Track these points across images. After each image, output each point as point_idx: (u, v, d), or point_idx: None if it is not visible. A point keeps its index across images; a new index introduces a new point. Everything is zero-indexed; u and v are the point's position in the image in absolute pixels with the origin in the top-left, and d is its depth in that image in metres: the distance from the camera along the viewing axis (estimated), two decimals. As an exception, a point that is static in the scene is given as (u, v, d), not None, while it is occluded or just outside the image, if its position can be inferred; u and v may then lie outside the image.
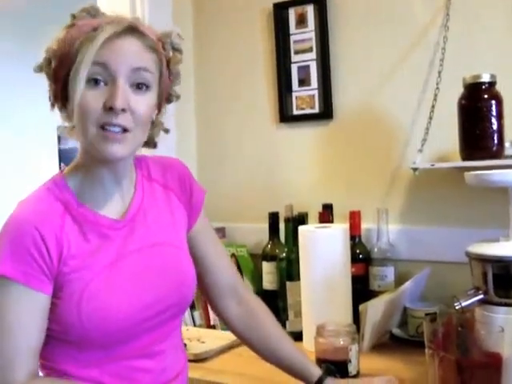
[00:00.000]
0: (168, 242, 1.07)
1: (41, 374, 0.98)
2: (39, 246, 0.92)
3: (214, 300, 1.19)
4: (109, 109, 0.92)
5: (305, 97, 1.82)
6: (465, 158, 1.43)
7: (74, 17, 0.98)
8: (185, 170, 1.16)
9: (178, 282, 1.05)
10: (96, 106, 0.93)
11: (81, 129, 0.95)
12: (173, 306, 1.04)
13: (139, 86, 0.96)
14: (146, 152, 1.13)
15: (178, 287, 1.05)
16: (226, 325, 1.22)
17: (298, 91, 1.83)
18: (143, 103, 0.96)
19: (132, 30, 0.96)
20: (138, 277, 1.00)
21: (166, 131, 1.11)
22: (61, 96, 0.97)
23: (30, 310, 0.92)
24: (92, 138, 0.94)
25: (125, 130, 0.95)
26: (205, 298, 1.24)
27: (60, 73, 0.96)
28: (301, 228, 1.53)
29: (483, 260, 1.15)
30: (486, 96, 1.40)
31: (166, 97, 1.07)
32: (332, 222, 1.67)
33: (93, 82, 0.93)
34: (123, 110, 0.93)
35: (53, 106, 1.01)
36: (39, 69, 0.99)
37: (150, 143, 1.09)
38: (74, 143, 1.03)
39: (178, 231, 1.11)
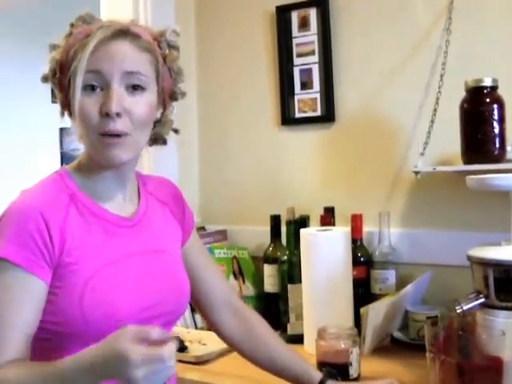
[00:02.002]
0: (169, 252, 1.10)
1: None
2: (42, 232, 0.92)
3: (209, 314, 1.20)
4: (105, 114, 0.93)
5: (307, 100, 1.82)
6: (466, 161, 1.44)
7: (71, 25, 0.99)
8: (177, 189, 1.20)
9: (176, 290, 1.07)
10: (93, 112, 0.94)
11: (83, 136, 0.97)
12: (168, 314, 1.05)
13: (135, 87, 0.97)
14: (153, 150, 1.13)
15: (177, 295, 1.07)
16: (222, 337, 1.21)
17: (300, 94, 1.83)
18: (140, 104, 0.97)
19: (123, 33, 0.97)
20: (141, 278, 1.01)
21: (176, 131, 1.12)
22: (66, 104, 0.99)
23: (28, 295, 0.91)
24: (94, 144, 0.96)
25: (124, 134, 0.95)
26: (200, 313, 1.24)
27: (63, 82, 0.97)
28: (302, 231, 1.53)
29: (484, 264, 1.15)
30: (488, 100, 1.40)
31: (169, 94, 1.06)
32: (334, 224, 1.67)
33: (89, 88, 0.95)
34: (118, 115, 0.94)
35: (62, 114, 1.02)
36: (45, 79, 1.01)
37: (159, 140, 1.10)
38: (76, 145, 1.04)
39: (175, 244, 1.13)
